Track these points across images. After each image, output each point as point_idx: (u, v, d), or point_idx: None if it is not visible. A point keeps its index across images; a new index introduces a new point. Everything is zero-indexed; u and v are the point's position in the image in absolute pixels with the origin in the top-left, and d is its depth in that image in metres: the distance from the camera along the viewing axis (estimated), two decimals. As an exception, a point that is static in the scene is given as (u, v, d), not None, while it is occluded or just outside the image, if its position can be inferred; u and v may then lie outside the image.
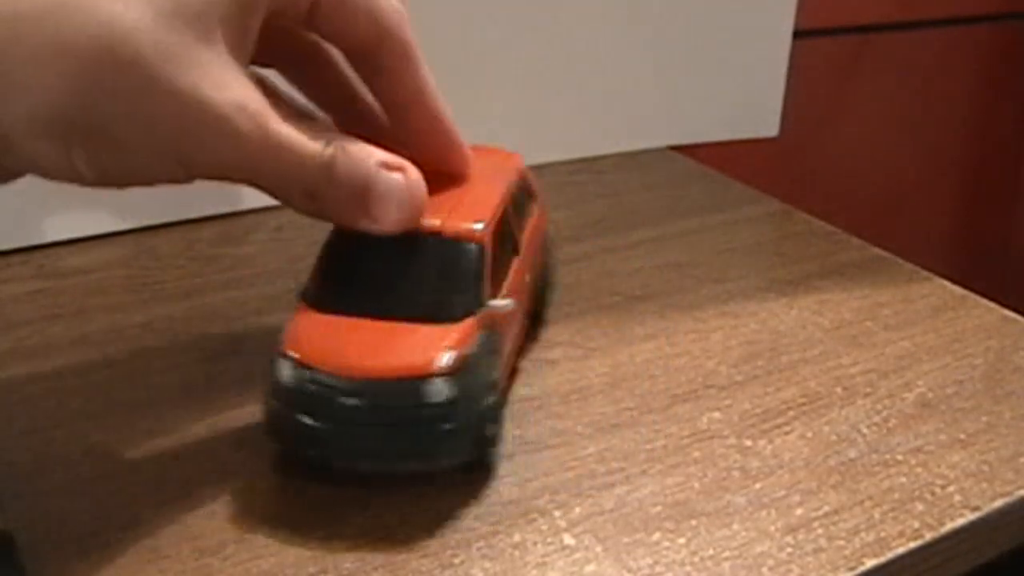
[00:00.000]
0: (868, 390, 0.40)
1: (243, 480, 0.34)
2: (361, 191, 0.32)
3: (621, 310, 0.45)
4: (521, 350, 0.40)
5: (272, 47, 0.33)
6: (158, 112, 0.28)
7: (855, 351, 0.43)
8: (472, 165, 0.37)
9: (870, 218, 0.77)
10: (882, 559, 0.32)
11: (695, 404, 0.39)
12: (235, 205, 0.54)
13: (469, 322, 0.33)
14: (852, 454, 0.36)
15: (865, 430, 0.38)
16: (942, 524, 0.33)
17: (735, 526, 0.33)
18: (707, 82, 0.67)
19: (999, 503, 0.34)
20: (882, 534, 0.33)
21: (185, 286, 0.47)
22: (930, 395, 0.40)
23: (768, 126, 0.70)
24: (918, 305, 0.47)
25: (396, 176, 0.32)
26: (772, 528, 0.33)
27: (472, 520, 0.33)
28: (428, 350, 0.31)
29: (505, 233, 0.36)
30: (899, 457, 0.36)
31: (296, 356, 0.32)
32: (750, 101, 0.69)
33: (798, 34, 0.69)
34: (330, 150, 0.31)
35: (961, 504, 0.34)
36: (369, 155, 0.32)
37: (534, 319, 0.43)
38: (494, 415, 0.34)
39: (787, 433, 0.38)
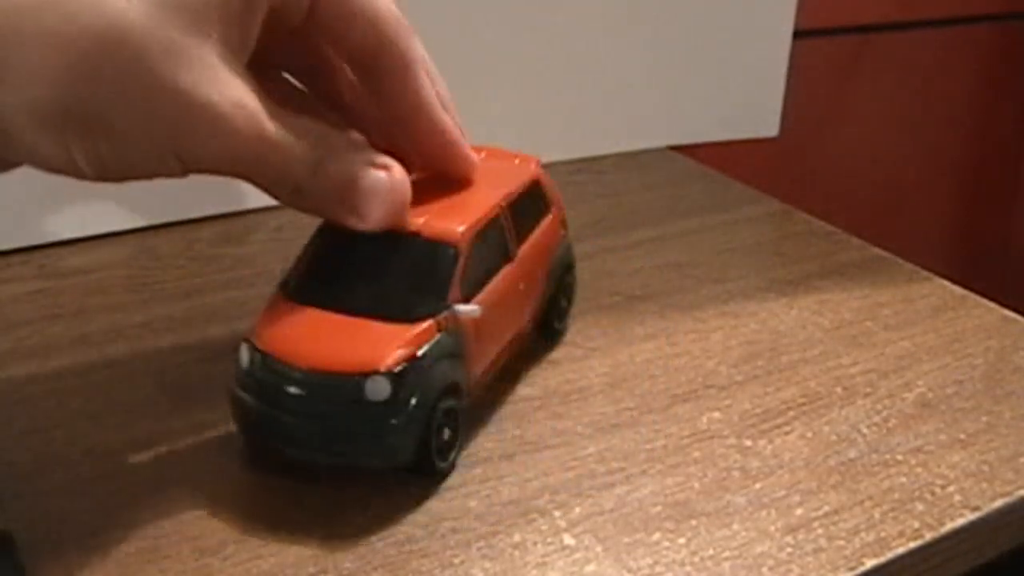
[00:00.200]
0: (868, 390, 0.40)
1: (243, 480, 0.34)
2: (346, 188, 0.32)
3: (621, 310, 0.45)
4: (516, 356, 0.39)
5: (283, 51, 0.34)
6: (156, 106, 0.28)
7: (855, 351, 0.43)
8: (476, 169, 0.37)
9: (870, 218, 0.77)
10: (882, 559, 0.32)
11: (695, 404, 0.39)
12: (235, 205, 0.54)
13: (428, 324, 0.33)
14: (852, 454, 0.36)
15: (865, 430, 0.38)
16: (942, 524, 0.33)
17: (735, 526, 0.33)
18: (707, 82, 0.67)
19: (999, 503, 0.34)
20: (882, 534, 0.33)
21: (185, 286, 0.47)
22: (930, 395, 0.40)
23: (768, 126, 0.70)
24: (918, 305, 0.47)
25: (380, 175, 0.33)
26: (772, 528, 0.33)
27: (472, 520, 0.33)
28: (376, 348, 0.32)
29: (492, 239, 0.36)
30: (899, 457, 0.36)
31: (254, 342, 0.33)
32: (750, 101, 0.69)
33: (798, 34, 0.69)
34: (319, 149, 0.32)
35: (961, 504, 0.34)
36: (356, 153, 0.33)
37: (545, 328, 0.42)
38: (449, 420, 0.34)
39: (787, 433, 0.38)
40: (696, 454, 0.36)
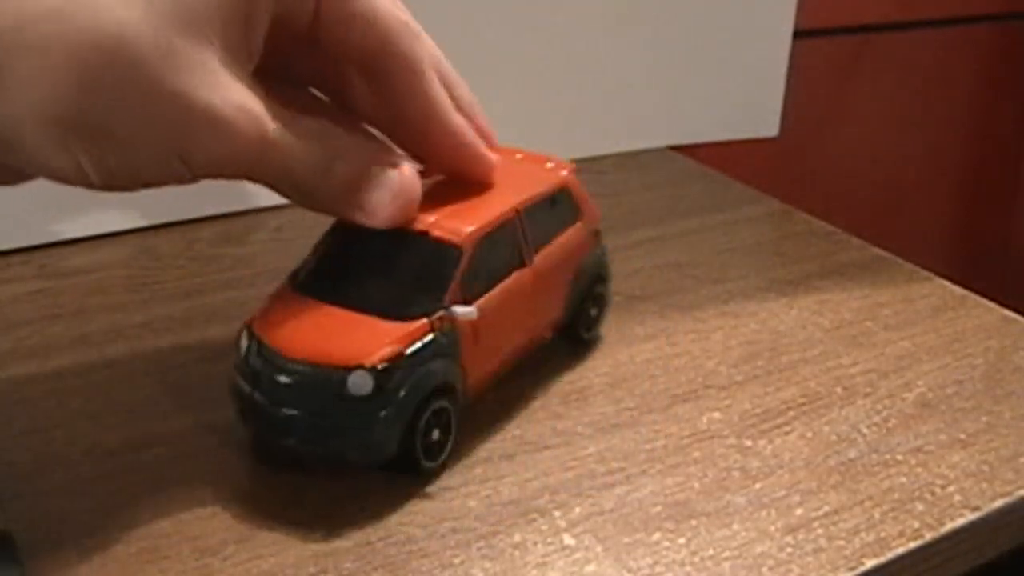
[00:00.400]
0: (868, 390, 0.40)
1: (243, 480, 0.34)
2: (354, 187, 0.33)
3: (621, 310, 0.45)
4: (521, 361, 0.39)
5: (295, 60, 0.34)
6: (157, 112, 0.28)
7: (855, 351, 0.43)
8: (493, 171, 0.37)
9: (870, 218, 0.77)
10: (882, 559, 0.32)
11: (695, 404, 0.39)
12: (235, 205, 0.54)
13: (421, 323, 0.33)
14: (852, 454, 0.36)
15: (865, 430, 0.38)
16: (942, 524, 0.33)
17: (735, 526, 0.33)
18: (707, 82, 0.67)
19: (999, 503, 0.34)
20: (882, 534, 0.33)
21: (185, 286, 0.47)
22: (930, 395, 0.40)
23: (768, 126, 0.70)
24: (918, 305, 0.47)
25: (389, 173, 0.33)
26: (772, 528, 0.33)
27: (472, 520, 0.33)
28: (364, 343, 0.32)
29: (504, 242, 0.36)
30: (899, 457, 0.36)
31: (253, 328, 0.33)
32: (750, 101, 0.69)
33: (798, 34, 0.69)
34: (327, 149, 0.32)
35: (961, 504, 0.34)
36: (365, 152, 0.33)
37: (572, 338, 0.41)
38: (440, 421, 0.34)
39: (787, 433, 0.38)
40: (696, 454, 0.36)
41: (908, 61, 0.98)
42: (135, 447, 0.36)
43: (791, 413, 0.39)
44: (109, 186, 0.30)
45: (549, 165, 0.40)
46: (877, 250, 0.53)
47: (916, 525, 0.33)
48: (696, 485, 0.35)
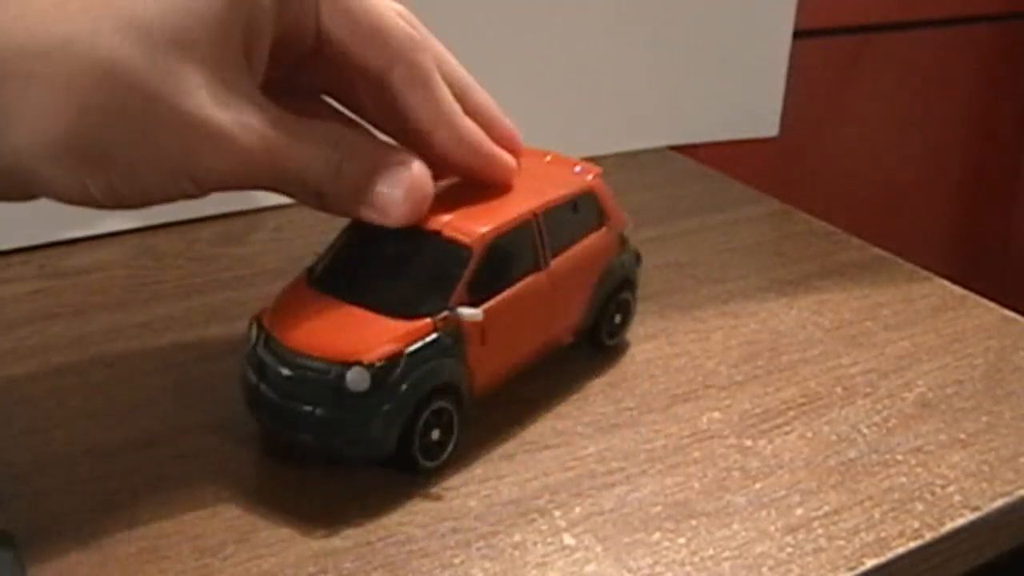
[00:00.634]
0: (868, 390, 0.40)
1: (244, 480, 0.34)
2: (365, 189, 0.33)
3: (621, 310, 0.45)
4: (530, 365, 0.39)
5: (306, 75, 0.34)
6: (160, 136, 0.29)
7: (855, 351, 0.43)
8: (512, 174, 0.37)
9: (870, 218, 0.77)
10: (882, 559, 0.32)
11: (695, 404, 0.39)
12: (235, 205, 0.54)
13: (425, 322, 0.33)
14: (852, 454, 0.36)
15: (865, 430, 0.38)
16: (942, 524, 0.33)
17: (735, 526, 0.33)
18: (707, 82, 0.67)
19: (999, 503, 0.34)
20: (882, 534, 0.33)
21: (185, 286, 0.47)
22: (930, 395, 0.40)
23: (768, 126, 0.70)
24: (918, 305, 0.47)
25: (400, 173, 0.33)
26: (772, 528, 0.33)
27: (472, 520, 0.33)
28: (364, 340, 0.32)
29: (519, 245, 0.36)
30: (899, 457, 0.36)
31: (262, 320, 0.34)
32: (750, 101, 0.69)
33: (798, 34, 0.69)
34: (337, 153, 0.32)
35: (961, 504, 0.34)
36: (375, 153, 0.33)
37: (595, 343, 0.41)
38: (440, 421, 0.34)
39: (787, 433, 0.38)
40: (696, 454, 0.36)
41: (908, 61, 0.98)
42: (135, 447, 0.36)
43: (791, 413, 0.39)
44: (118, 206, 0.30)
45: (576, 169, 0.40)
46: (877, 250, 0.53)
47: (916, 525, 0.33)
48: (696, 485, 0.35)
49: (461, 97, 0.36)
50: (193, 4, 0.29)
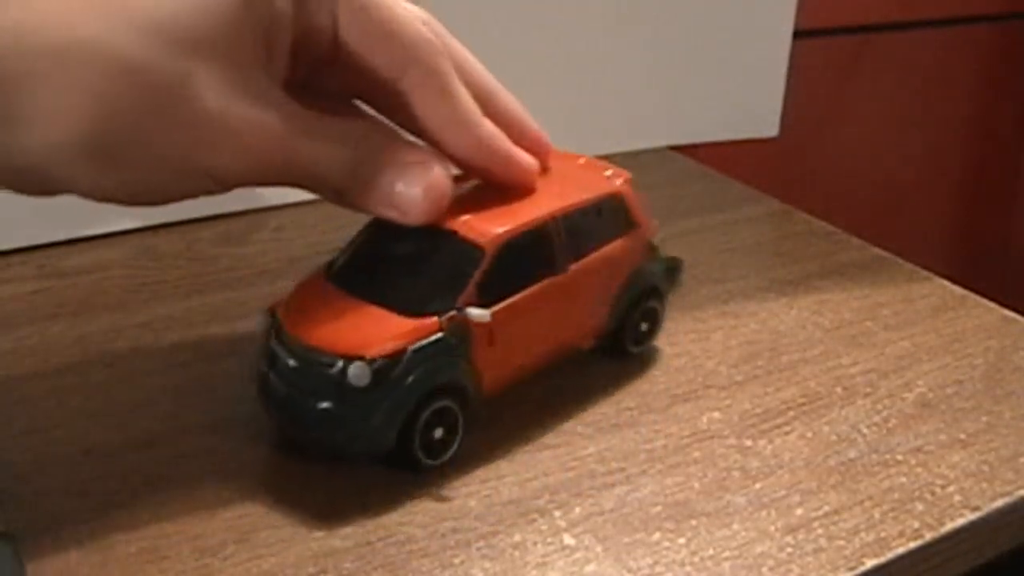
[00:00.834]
0: (868, 390, 0.40)
1: (243, 480, 0.34)
2: (384, 188, 0.33)
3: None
4: (544, 368, 0.38)
5: (326, 78, 0.34)
6: (176, 135, 0.29)
7: (855, 351, 0.43)
8: (535, 177, 0.37)
9: (870, 218, 0.77)
10: (882, 559, 0.32)
11: (695, 404, 0.39)
12: (235, 205, 0.54)
13: (431, 321, 0.33)
14: (852, 454, 0.36)
15: (865, 430, 0.38)
16: (942, 524, 0.33)
17: (735, 526, 0.33)
18: (707, 82, 0.67)
19: (999, 503, 0.34)
20: (882, 534, 0.33)
21: (185, 286, 0.47)
22: (930, 395, 0.40)
23: (768, 126, 0.70)
24: (918, 305, 0.47)
25: (419, 170, 0.33)
26: (772, 528, 0.33)
27: (472, 520, 0.33)
28: (368, 336, 0.32)
29: (535, 248, 0.35)
30: (899, 457, 0.36)
31: (276, 311, 0.34)
32: (750, 101, 0.69)
33: (798, 34, 0.69)
34: (357, 151, 0.33)
35: (961, 504, 0.34)
36: (394, 152, 0.33)
37: (617, 350, 0.41)
38: (443, 420, 0.34)
39: (787, 433, 0.38)
40: (696, 454, 0.36)
41: (908, 61, 0.98)
42: (135, 447, 0.35)
43: (791, 413, 0.39)
44: (137, 203, 0.31)
45: (607, 173, 0.40)
46: (877, 250, 0.53)
47: (916, 525, 0.33)
48: (696, 485, 0.35)
49: (486, 102, 0.36)
50: (210, 3, 0.29)
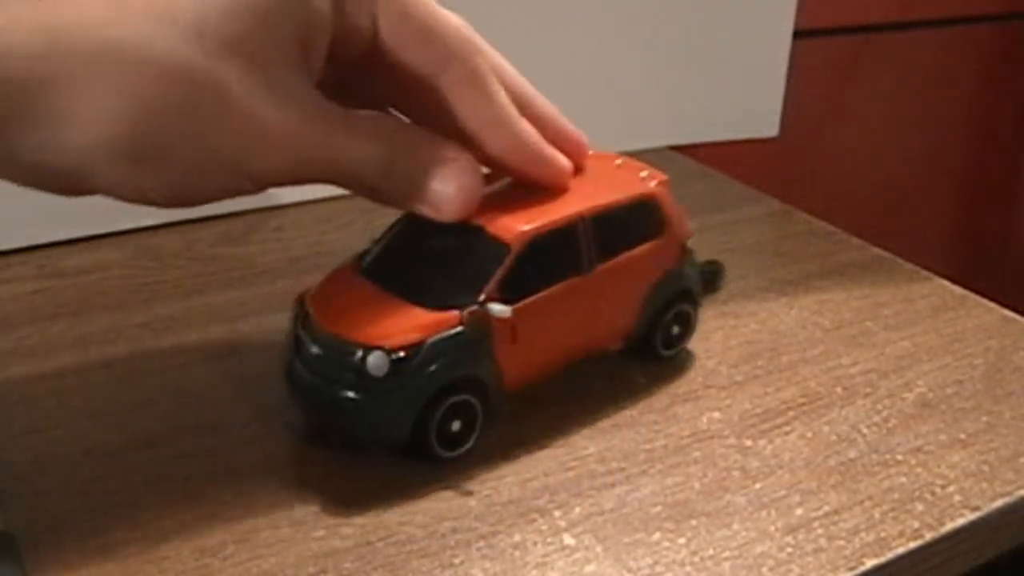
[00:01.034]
0: (868, 390, 0.40)
1: (243, 480, 0.34)
2: (417, 185, 0.33)
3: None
4: (569, 367, 0.38)
5: (362, 79, 0.35)
6: (219, 135, 0.29)
7: (855, 351, 0.43)
8: (568, 177, 0.37)
9: (870, 218, 0.77)
10: (882, 559, 0.32)
11: (695, 404, 0.39)
12: (235, 205, 0.53)
13: (452, 315, 0.33)
14: (852, 454, 0.36)
15: (865, 430, 0.38)
16: (942, 524, 0.33)
17: (735, 526, 0.33)
18: (707, 82, 0.67)
19: (999, 503, 0.34)
20: (882, 534, 0.33)
21: (185, 286, 0.47)
22: (930, 395, 0.40)
23: (768, 126, 0.70)
24: (918, 305, 0.47)
25: (452, 167, 0.33)
26: (772, 528, 0.33)
27: (472, 520, 0.33)
28: (391, 327, 0.33)
29: (561, 247, 0.35)
30: (899, 457, 0.36)
31: (305, 298, 0.35)
32: (750, 101, 0.69)
33: (798, 34, 0.68)
34: (390, 148, 0.33)
35: (961, 504, 0.34)
36: (427, 149, 0.34)
37: (647, 352, 0.41)
38: (461, 413, 0.34)
39: (787, 433, 0.38)
40: (696, 454, 0.36)
41: (908, 61, 0.98)
42: (135, 447, 0.36)
43: (791, 413, 0.39)
44: (173, 205, 0.31)
45: (642, 175, 0.40)
46: (877, 250, 0.53)
47: (916, 525, 0.33)
48: (696, 485, 0.35)
49: (523, 105, 0.36)
50: (248, 4, 0.29)
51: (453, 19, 0.34)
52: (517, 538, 0.32)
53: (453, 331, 0.33)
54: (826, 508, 0.34)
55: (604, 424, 0.38)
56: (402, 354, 0.32)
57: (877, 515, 0.33)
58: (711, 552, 0.32)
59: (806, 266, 0.51)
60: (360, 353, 0.32)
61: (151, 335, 0.43)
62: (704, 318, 0.45)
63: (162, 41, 0.28)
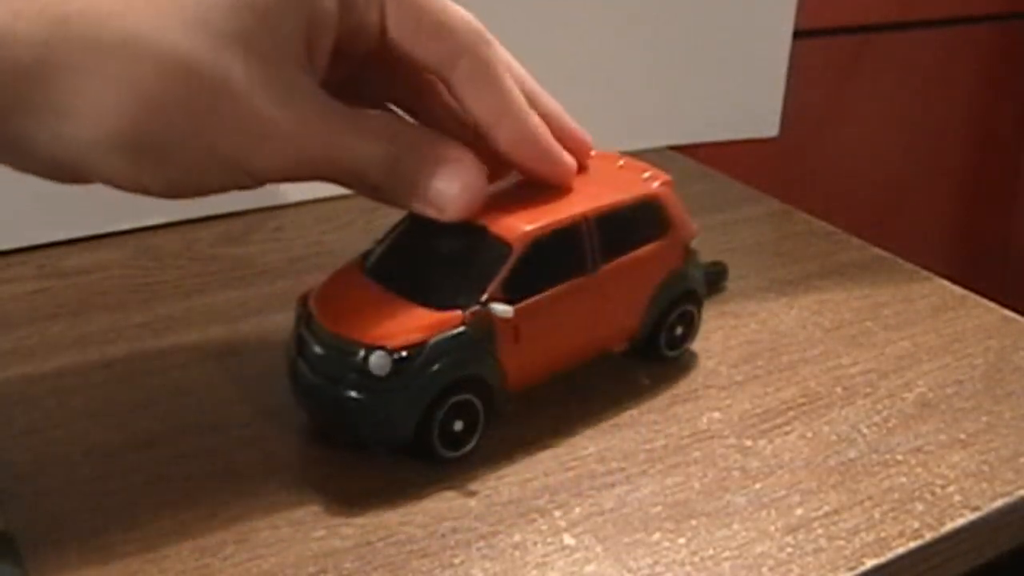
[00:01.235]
0: (868, 390, 0.40)
1: (243, 480, 0.34)
2: (420, 184, 0.33)
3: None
4: (573, 367, 0.38)
5: (370, 77, 0.35)
6: (222, 130, 0.29)
7: (855, 351, 0.43)
8: (572, 176, 0.37)
9: (870, 218, 0.77)
10: (882, 559, 0.32)
11: (695, 404, 0.39)
12: (235, 205, 0.54)
13: (454, 315, 0.33)
14: (852, 454, 0.36)
15: (865, 430, 0.38)
16: (942, 524, 0.33)
17: (735, 526, 0.33)
18: (707, 82, 0.67)
19: (999, 503, 0.34)
20: (882, 534, 0.33)
21: (185, 286, 0.47)
22: (930, 395, 0.40)
23: (768, 126, 0.70)
24: (918, 305, 0.47)
25: (456, 167, 0.33)
26: (772, 528, 0.33)
27: (472, 520, 0.33)
28: (393, 327, 0.33)
29: (564, 247, 0.35)
30: (899, 457, 0.36)
31: (308, 298, 0.35)
32: (750, 101, 0.69)
33: (798, 34, 0.68)
34: (393, 147, 0.33)
35: (961, 504, 0.34)
36: (430, 149, 0.33)
37: (650, 353, 0.41)
38: (464, 413, 0.34)
39: (787, 433, 0.38)
40: (696, 454, 0.36)
41: (908, 61, 0.98)
42: (135, 447, 0.35)
43: (791, 413, 0.39)
44: (173, 196, 0.31)
45: (645, 175, 0.39)
46: (877, 250, 0.53)
47: (916, 525, 0.33)
48: (696, 485, 0.35)
49: (528, 103, 0.36)
50: (254, 1, 0.29)
51: (461, 11, 0.34)
52: (517, 538, 0.32)
53: (456, 331, 0.33)
54: (826, 508, 0.34)
55: (604, 424, 0.38)
56: (404, 354, 0.32)
57: (877, 515, 0.33)
58: (711, 552, 0.32)
59: (806, 266, 0.51)
60: (363, 353, 0.32)
61: (151, 335, 0.43)
62: (704, 318, 0.45)
63: (167, 34, 0.28)
